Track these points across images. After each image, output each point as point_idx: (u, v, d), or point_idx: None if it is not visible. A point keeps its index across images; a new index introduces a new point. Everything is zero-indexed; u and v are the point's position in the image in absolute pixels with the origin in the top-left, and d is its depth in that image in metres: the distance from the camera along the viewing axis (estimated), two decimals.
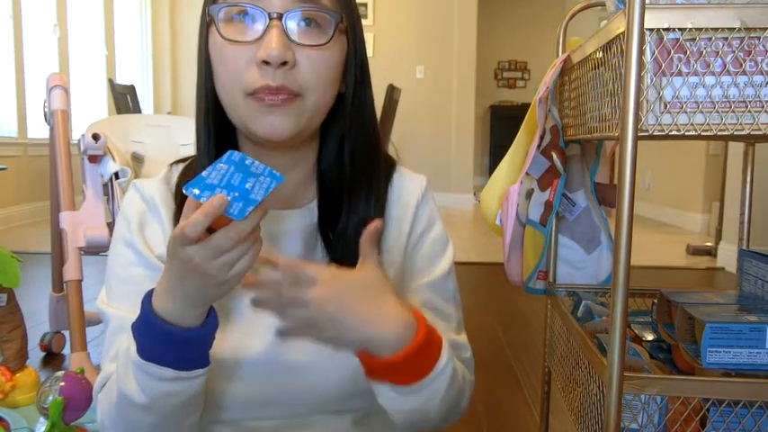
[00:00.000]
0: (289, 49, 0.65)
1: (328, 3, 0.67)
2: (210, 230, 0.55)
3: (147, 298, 0.61)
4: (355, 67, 0.72)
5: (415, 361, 0.63)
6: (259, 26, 0.65)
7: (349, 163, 0.74)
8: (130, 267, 0.72)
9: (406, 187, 0.80)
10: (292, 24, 0.66)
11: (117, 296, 0.72)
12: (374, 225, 0.65)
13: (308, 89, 0.67)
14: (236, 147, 0.74)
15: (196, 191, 0.55)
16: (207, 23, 0.69)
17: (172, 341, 0.60)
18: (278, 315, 0.62)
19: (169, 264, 0.59)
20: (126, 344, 0.63)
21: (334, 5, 0.68)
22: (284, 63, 0.64)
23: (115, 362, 0.67)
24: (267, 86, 0.64)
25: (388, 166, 0.80)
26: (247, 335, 0.70)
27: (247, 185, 0.56)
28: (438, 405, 0.67)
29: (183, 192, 0.56)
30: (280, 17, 0.65)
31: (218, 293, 0.60)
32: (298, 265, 0.63)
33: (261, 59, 0.64)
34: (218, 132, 0.72)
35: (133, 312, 0.63)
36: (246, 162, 0.59)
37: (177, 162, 0.79)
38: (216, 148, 0.72)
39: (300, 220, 0.75)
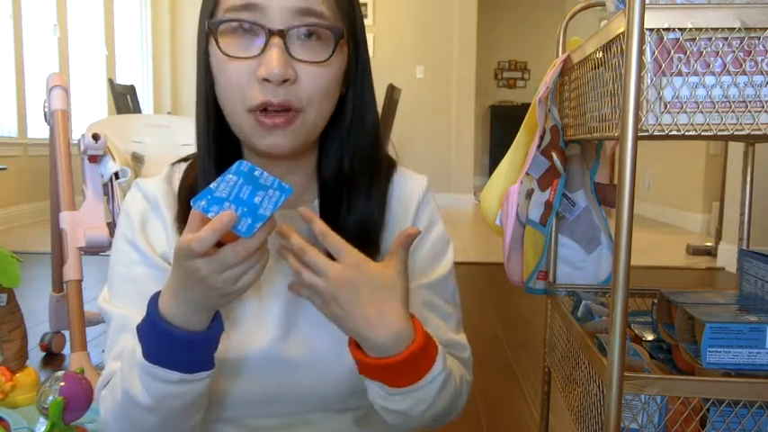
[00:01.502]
0: (290, 66, 0.64)
1: (330, 15, 0.66)
2: (218, 243, 0.55)
3: (154, 300, 0.61)
4: (357, 74, 0.72)
5: (401, 369, 0.63)
6: (259, 42, 0.65)
7: (349, 165, 0.73)
8: (132, 266, 0.72)
9: (408, 187, 0.80)
10: (293, 40, 0.65)
11: (119, 294, 0.72)
12: (410, 230, 0.65)
13: (308, 103, 0.66)
14: (238, 152, 0.73)
15: (204, 203, 0.55)
16: (206, 34, 0.68)
17: (178, 344, 0.60)
18: (294, 272, 0.63)
19: (174, 271, 0.59)
20: (131, 344, 0.63)
21: (336, 17, 0.67)
22: (285, 80, 0.64)
23: (118, 360, 0.67)
24: (269, 102, 0.64)
25: (389, 167, 0.80)
26: (250, 333, 0.70)
27: (256, 200, 0.55)
28: (422, 412, 0.67)
29: (191, 205, 0.55)
30: (280, 33, 0.64)
31: (222, 303, 0.60)
32: (331, 235, 0.63)
33: (262, 77, 0.63)
34: (219, 138, 0.72)
35: (135, 311, 0.63)
36: (255, 173, 0.57)
37: (179, 161, 0.79)
38: (217, 154, 0.71)
39: (302, 220, 0.75)
